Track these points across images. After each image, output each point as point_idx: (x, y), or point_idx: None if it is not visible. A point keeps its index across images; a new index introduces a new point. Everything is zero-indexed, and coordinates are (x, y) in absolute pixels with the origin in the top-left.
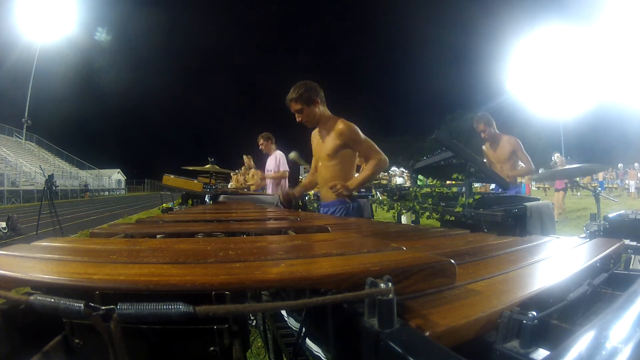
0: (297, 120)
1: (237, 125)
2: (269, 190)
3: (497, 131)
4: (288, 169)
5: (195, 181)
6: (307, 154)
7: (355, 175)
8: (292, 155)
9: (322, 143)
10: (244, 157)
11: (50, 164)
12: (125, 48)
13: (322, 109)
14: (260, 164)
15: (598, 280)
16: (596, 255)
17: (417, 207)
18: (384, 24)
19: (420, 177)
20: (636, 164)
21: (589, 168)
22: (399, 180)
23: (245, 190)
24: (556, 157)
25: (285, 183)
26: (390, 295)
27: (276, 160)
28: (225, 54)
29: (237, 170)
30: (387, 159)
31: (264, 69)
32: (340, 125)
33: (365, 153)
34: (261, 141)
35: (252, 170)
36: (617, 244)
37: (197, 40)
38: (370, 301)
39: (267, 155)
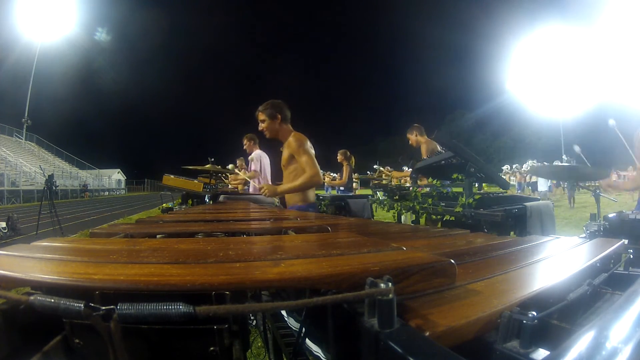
0: (259, 128)
1: (238, 125)
2: (251, 191)
3: (420, 137)
4: (258, 169)
5: (196, 181)
6: None
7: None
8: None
9: (282, 155)
10: (237, 160)
11: (50, 164)
12: (125, 48)
13: (283, 126)
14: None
15: (598, 280)
16: (596, 255)
17: (417, 207)
18: (384, 23)
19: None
20: None
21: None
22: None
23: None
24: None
25: (262, 181)
26: (390, 295)
27: (252, 162)
28: (225, 54)
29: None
30: (320, 177)
31: (264, 68)
32: (290, 137)
33: (303, 166)
34: (245, 141)
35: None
36: (617, 244)
37: (197, 40)
38: (370, 301)
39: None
